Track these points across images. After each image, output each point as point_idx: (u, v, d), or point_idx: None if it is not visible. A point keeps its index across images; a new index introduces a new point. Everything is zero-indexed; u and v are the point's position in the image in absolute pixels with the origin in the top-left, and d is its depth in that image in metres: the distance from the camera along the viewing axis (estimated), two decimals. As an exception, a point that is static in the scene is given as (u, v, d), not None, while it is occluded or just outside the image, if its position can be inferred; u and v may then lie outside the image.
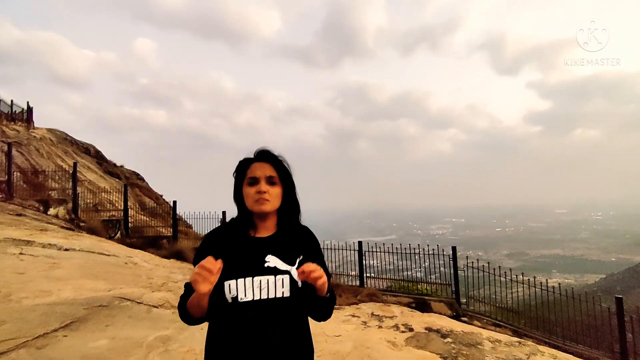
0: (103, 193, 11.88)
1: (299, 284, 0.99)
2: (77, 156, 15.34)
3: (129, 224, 10.49)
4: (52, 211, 9.72)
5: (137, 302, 3.24)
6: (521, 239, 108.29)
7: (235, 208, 1.09)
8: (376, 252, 7.44)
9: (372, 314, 5.58)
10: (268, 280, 0.96)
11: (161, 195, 15.86)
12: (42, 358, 1.95)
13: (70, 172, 10.77)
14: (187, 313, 0.96)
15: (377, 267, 7.71)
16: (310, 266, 0.92)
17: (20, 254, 4.42)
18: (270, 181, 1.02)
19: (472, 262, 6.69)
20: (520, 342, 4.70)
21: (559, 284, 6.23)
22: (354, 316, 5.45)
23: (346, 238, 7.81)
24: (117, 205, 11.63)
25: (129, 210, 10.64)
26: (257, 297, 0.94)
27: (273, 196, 1.02)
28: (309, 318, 1.07)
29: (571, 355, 4.61)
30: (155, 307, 3.25)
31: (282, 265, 0.99)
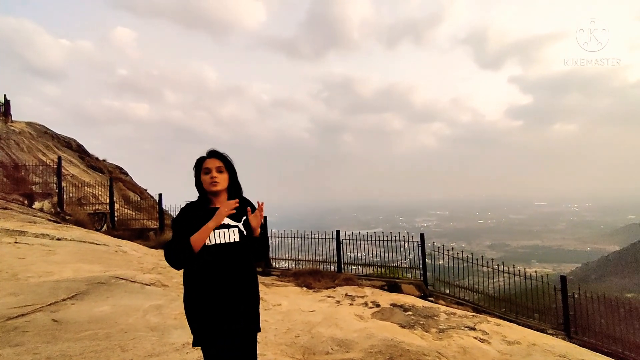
0: (86, 187, 11.95)
1: (245, 233, 1.58)
2: (58, 150, 15.23)
3: (115, 218, 10.71)
4: (37, 205, 9.87)
5: (131, 281, 3.66)
6: (502, 230, 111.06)
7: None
8: (353, 240, 8.00)
9: (346, 295, 6.13)
10: (226, 232, 1.54)
11: (145, 190, 15.95)
12: (57, 318, 2.37)
13: (52, 166, 10.86)
14: (185, 250, 1.44)
15: (358, 257, 8.26)
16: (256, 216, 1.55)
17: (16, 242, 4.75)
18: (218, 170, 1.56)
19: (438, 248, 7.32)
20: (473, 315, 5.34)
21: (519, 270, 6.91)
22: (329, 297, 5.99)
23: (332, 231, 8.29)
24: (100, 199, 11.75)
25: (114, 204, 10.84)
26: (219, 242, 1.52)
27: (221, 180, 1.56)
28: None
29: (514, 324, 5.28)
30: (147, 285, 3.68)
31: (233, 223, 1.57)
